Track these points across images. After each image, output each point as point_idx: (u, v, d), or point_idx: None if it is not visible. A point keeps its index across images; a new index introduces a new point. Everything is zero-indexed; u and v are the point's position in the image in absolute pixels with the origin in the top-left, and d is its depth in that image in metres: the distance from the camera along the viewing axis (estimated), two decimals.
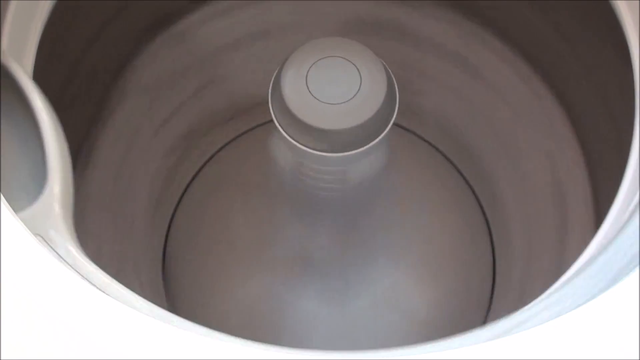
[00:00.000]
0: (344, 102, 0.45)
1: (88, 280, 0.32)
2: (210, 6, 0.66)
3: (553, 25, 0.58)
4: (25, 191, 0.37)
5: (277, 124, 0.47)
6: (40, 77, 0.44)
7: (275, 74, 0.47)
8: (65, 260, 0.34)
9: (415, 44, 0.70)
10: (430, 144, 0.82)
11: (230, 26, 0.68)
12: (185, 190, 0.80)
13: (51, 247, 0.35)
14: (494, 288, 0.77)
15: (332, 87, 0.45)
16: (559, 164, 0.65)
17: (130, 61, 0.63)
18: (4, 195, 0.34)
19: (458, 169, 0.81)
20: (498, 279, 0.77)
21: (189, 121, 0.75)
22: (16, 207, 0.34)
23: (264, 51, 0.71)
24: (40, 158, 0.39)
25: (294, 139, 0.47)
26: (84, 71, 0.57)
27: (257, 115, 0.79)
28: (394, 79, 0.47)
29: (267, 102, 0.48)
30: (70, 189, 0.39)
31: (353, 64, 0.45)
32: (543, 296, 0.37)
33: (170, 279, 0.77)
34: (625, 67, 0.44)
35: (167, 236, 0.79)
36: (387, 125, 0.47)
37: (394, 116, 0.47)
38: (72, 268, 0.33)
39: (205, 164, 0.81)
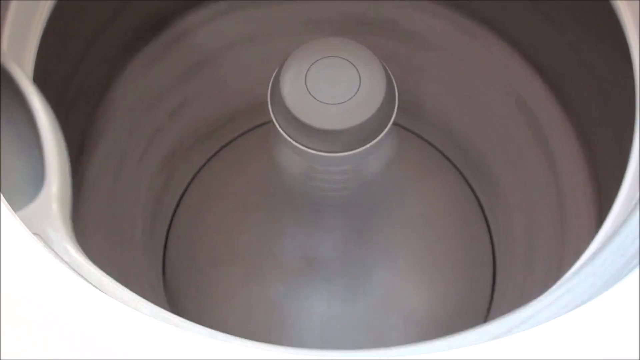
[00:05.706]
0: (343, 102, 0.45)
1: (86, 279, 0.32)
2: (205, 7, 0.65)
3: (553, 24, 0.58)
4: (23, 191, 0.37)
5: (276, 125, 0.47)
6: (39, 80, 0.44)
7: (274, 74, 0.47)
8: (62, 259, 0.34)
9: (416, 42, 0.70)
10: (429, 143, 0.82)
11: (226, 27, 0.68)
12: (182, 197, 0.80)
13: (49, 246, 0.35)
14: (494, 288, 0.77)
15: (331, 87, 0.45)
16: (560, 163, 0.65)
17: (124, 68, 0.63)
18: (3, 195, 0.34)
19: (458, 168, 0.81)
20: (498, 278, 0.77)
21: (181, 127, 0.75)
22: (14, 206, 0.34)
23: (260, 52, 0.71)
24: (38, 158, 0.39)
25: (293, 139, 0.47)
26: (78, 80, 0.57)
27: (253, 117, 0.79)
28: (393, 79, 0.47)
29: (263, 104, 0.48)
30: (68, 188, 0.39)
31: (352, 64, 0.45)
32: (543, 296, 0.37)
33: (171, 290, 0.77)
34: (625, 66, 0.44)
35: (165, 244, 0.79)
36: (387, 124, 0.47)
37: (394, 115, 0.47)
38: (70, 267, 0.33)
39: (199, 170, 0.81)
